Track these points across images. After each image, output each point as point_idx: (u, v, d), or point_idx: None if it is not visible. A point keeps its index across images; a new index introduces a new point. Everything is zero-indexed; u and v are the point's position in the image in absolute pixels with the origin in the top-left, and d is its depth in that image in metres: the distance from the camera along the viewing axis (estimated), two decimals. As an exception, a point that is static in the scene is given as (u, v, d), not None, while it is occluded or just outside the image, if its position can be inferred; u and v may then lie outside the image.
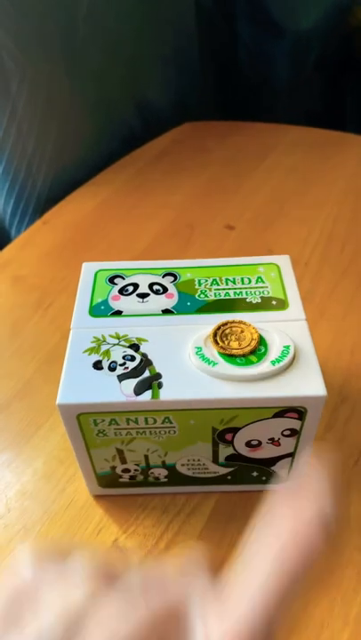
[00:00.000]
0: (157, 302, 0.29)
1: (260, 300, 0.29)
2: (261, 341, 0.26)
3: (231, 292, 0.29)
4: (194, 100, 0.80)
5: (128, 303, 0.29)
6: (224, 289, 0.29)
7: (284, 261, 0.31)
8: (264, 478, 0.30)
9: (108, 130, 0.65)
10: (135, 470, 0.29)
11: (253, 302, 0.29)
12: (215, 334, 0.27)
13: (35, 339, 0.41)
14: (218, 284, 0.30)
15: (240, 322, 0.27)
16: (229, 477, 0.30)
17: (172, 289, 0.30)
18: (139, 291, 0.30)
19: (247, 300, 0.29)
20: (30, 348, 0.41)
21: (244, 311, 0.28)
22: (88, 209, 0.55)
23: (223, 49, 0.84)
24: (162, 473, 0.30)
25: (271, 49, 0.83)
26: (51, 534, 0.30)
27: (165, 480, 0.30)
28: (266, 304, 0.29)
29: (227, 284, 0.30)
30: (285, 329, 0.27)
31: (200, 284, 0.30)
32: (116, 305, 0.29)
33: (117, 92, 0.65)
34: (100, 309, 0.29)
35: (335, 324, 0.42)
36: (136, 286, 0.30)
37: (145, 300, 0.29)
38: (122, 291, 0.30)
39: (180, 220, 0.53)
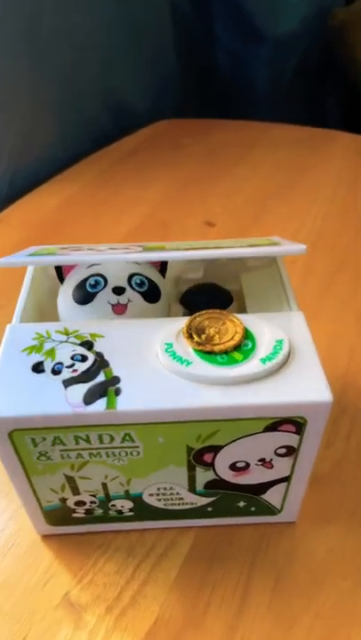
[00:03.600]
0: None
1: (248, 245, 0.24)
2: (247, 335, 0.21)
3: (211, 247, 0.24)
4: (170, 104, 0.76)
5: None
6: (202, 247, 0.24)
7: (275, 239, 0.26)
8: (253, 509, 0.24)
9: (77, 129, 0.61)
10: (92, 503, 0.23)
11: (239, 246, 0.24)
12: (189, 327, 0.21)
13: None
14: (194, 246, 0.24)
15: (220, 312, 0.22)
16: (210, 509, 0.24)
17: (135, 249, 0.24)
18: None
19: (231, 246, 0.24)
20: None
21: (228, 247, 0.23)
22: (50, 207, 0.49)
23: (201, 52, 0.81)
24: (126, 505, 0.24)
25: (251, 53, 0.81)
26: (-15, 587, 0.24)
27: (131, 514, 0.24)
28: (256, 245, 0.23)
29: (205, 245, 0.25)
30: (276, 319, 0.22)
31: (171, 247, 0.25)
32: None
33: (87, 90, 0.61)
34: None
35: (330, 326, 0.37)
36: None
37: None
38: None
39: (154, 217, 0.48)
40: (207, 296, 0.23)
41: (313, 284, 0.40)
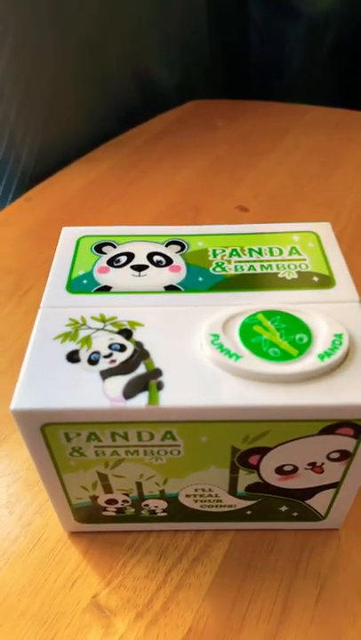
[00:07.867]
0: (159, 276, 0.22)
1: (296, 276, 0.21)
2: (302, 328, 0.19)
3: (257, 266, 0.22)
4: (200, 82, 0.73)
5: (119, 277, 0.22)
6: (248, 261, 0.22)
7: (324, 229, 0.24)
8: (295, 514, 0.23)
9: (105, 106, 0.59)
10: (124, 502, 0.22)
11: (288, 278, 0.21)
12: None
13: (7, 330, 0.34)
14: (239, 256, 0.23)
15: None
16: (249, 512, 0.23)
17: (178, 260, 0.22)
18: (134, 262, 0.22)
19: (279, 276, 0.22)
20: (1, 341, 0.33)
21: (275, 289, 0.21)
22: (77, 187, 0.48)
23: (233, 31, 0.78)
24: (160, 505, 0.22)
25: (284, 32, 0.77)
26: (8, 586, 0.22)
27: (164, 514, 0.23)
28: (305, 281, 0.21)
29: (250, 256, 0.23)
30: (333, 312, 0.20)
31: (215, 256, 0.23)
32: (103, 279, 0.22)
33: (115, 65, 0.59)
34: (81, 284, 0.21)
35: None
36: (131, 256, 0.23)
37: (142, 273, 0.22)
38: (112, 262, 0.22)
39: (184, 200, 0.46)
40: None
41: (355, 275, 0.38)
